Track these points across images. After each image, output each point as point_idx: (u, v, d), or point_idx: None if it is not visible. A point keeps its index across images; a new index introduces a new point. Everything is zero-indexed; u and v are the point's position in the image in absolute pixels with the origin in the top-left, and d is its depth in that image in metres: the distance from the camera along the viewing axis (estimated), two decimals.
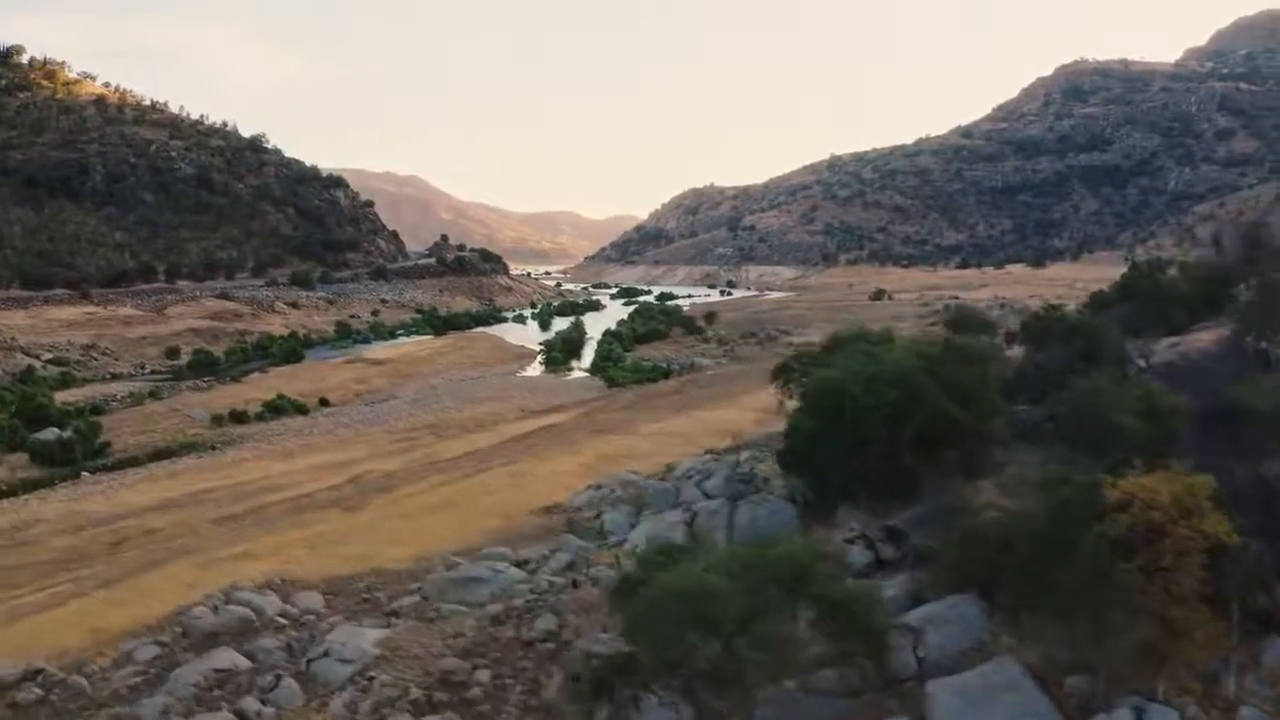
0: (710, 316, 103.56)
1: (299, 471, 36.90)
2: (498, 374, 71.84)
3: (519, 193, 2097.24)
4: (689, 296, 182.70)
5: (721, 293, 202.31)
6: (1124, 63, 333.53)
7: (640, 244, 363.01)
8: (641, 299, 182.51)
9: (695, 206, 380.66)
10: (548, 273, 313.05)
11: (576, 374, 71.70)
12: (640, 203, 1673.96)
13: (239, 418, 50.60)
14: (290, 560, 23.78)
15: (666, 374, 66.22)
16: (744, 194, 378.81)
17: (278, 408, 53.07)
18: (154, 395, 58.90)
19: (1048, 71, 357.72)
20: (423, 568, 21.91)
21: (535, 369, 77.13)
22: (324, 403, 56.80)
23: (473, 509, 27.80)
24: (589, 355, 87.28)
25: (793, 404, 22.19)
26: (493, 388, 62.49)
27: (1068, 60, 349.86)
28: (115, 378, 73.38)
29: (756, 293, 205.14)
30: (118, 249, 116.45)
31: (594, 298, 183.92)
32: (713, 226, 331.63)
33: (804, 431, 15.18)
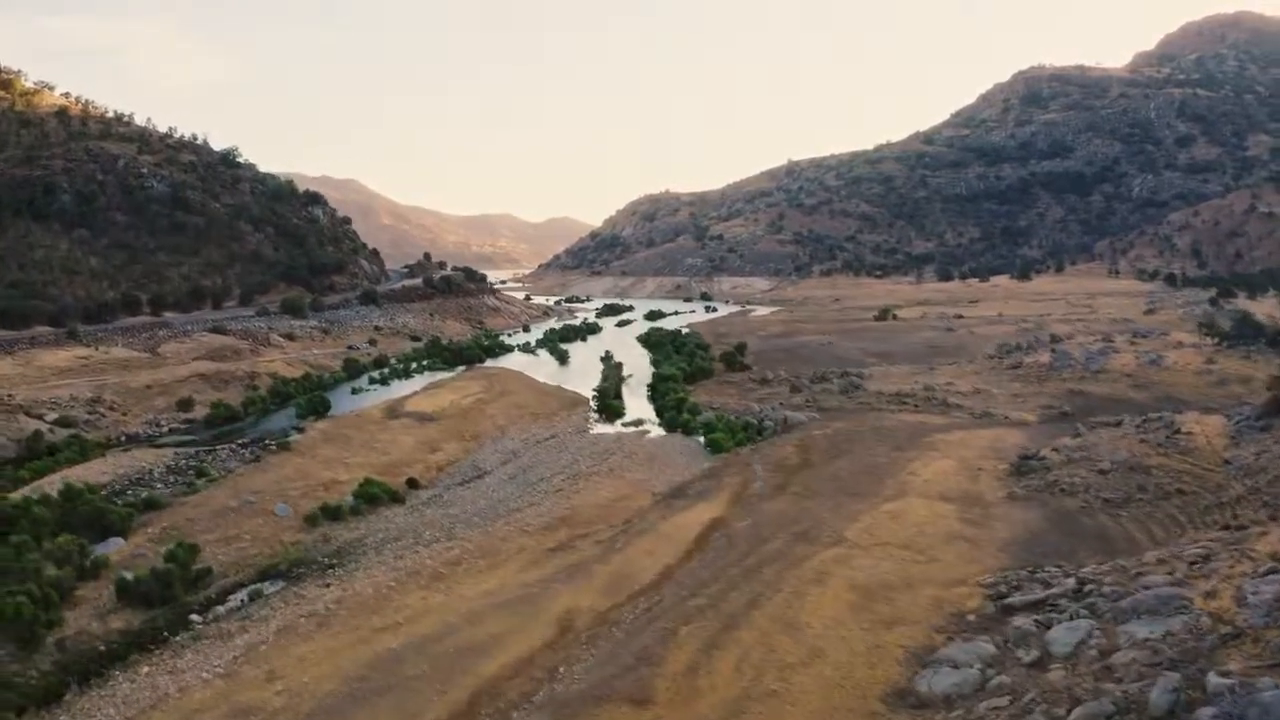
0: (742, 348, 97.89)
1: (481, 613, 30.06)
2: (566, 430, 65.06)
3: (453, 194, 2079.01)
4: (675, 313, 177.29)
5: (706, 309, 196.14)
6: (1081, 68, 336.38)
7: (597, 251, 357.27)
8: (626, 315, 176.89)
9: (652, 213, 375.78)
10: (503, 282, 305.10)
11: (653, 431, 65.29)
12: (576, 204, 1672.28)
13: (332, 513, 43.27)
14: None
15: (760, 430, 60.30)
16: (701, 200, 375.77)
17: (371, 496, 45.76)
18: (202, 473, 50.85)
19: (1004, 77, 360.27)
20: None
21: (593, 419, 70.64)
22: (412, 484, 49.64)
23: (800, 701, 21.45)
24: (627, 393, 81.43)
25: None
26: (585, 455, 55.64)
27: (1024, 66, 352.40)
28: (131, 440, 65.07)
29: (739, 307, 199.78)
30: (95, 277, 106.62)
31: (578, 315, 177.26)
32: (671, 234, 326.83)
33: None
